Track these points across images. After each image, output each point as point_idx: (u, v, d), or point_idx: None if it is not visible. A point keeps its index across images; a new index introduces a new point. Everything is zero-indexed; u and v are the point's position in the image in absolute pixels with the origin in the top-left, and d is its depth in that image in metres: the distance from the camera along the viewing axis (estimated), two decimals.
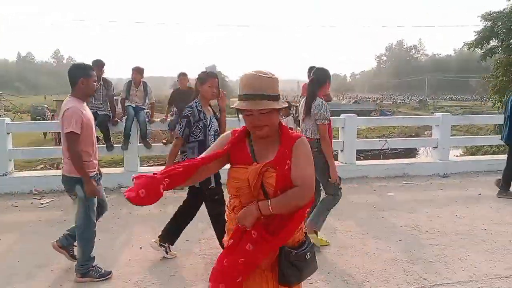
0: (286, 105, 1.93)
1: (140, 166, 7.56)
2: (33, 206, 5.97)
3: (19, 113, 47.11)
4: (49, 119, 36.53)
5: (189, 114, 3.78)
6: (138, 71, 7.22)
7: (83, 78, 3.51)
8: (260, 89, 1.81)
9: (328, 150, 4.16)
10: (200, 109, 3.80)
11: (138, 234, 4.86)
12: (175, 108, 7.51)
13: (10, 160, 6.88)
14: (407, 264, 3.92)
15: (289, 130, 1.96)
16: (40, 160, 18.75)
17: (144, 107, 7.25)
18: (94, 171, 3.66)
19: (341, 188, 4.36)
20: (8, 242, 4.57)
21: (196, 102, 3.85)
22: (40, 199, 6.24)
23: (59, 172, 7.47)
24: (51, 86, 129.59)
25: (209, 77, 3.90)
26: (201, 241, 4.59)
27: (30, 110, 46.33)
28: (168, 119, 7.50)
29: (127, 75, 7.41)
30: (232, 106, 1.95)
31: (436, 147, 8.32)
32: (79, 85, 3.51)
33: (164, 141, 7.82)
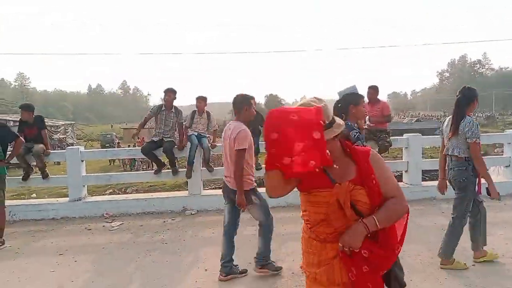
0: (340, 129, 1.89)
1: (203, 189, 7.75)
2: (105, 229, 6.29)
3: (90, 141, 50.32)
4: (116, 146, 38.71)
5: (359, 136, 3.64)
6: (202, 100, 7.50)
7: (247, 106, 4.15)
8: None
9: (482, 168, 4.14)
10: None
11: (204, 256, 4.95)
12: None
13: (84, 185, 7.33)
14: None
15: (353, 145, 1.98)
16: (109, 185, 19.82)
17: (205, 134, 7.46)
18: (253, 183, 4.23)
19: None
20: (83, 264, 4.84)
21: (351, 123, 3.65)
22: (111, 222, 6.57)
23: (129, 196, 7.93)
24: (117, 115, 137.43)
25: (360, 98, 3.79)
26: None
27: (99, 138, 49.49)
28: None
29: (184, 102, 7.64)
30: None
31: (509, 165, 7.84)
32: (244, 112, 4.15)
33: None
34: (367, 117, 7.42)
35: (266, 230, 4.30)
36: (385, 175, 1.90)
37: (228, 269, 4.19)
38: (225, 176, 4.31)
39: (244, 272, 4.30)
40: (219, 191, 8.19)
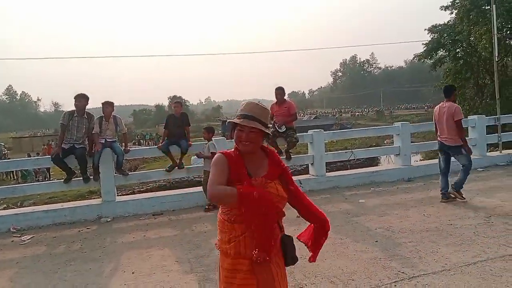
0: (269, 132, 2.30)
1: (117, 195, 7.63)
2: (15, 244, 5.93)
3: None
4: (4, 158, 35.35)
5: None
6: (109, 105, 7.34)
7: (455, 90, 6.90)
8: (256, 114, 2.22)
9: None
10: None
11: (127, 260, 4.96)
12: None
13: None
14: (385, 262, 4.26)
15: (269, 148, 2.38)
16: (2, 200, 18.19)
17: (114, 139, 7.35)
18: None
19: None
20: (0, 281, 4.58)
21: None
22: (20, 237, 6.21)
23: (37, 208, 7.51)
24: (5, 123, 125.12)
25: None
26: (190, 261, 4.75)
27: None
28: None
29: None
30: (229, 120, 2.35)
31: (399, 154, 8.87)
32: (452, 96, 6.67)
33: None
34: (274, 116, 7.94)
35: (467, 170, 6.48)
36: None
37: (445, 195, 6.49)
38: (441, 136, 6.61)
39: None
40: (135, 196, 8.19)
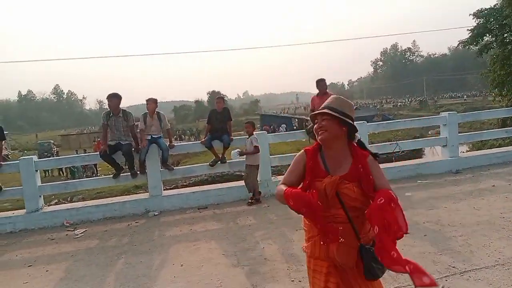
0: (350, 122, 2.20)
1: (164, 189, 7.83)
2: (69, 237, 6.23)
3: (25, 151, 47.75)
4: (55, 155, 37.05)
5: None
6: (152, 102, 7.53)
7: None
8: (332, 104, 2.23)
9: None
10: None
11: (175, 253, 5.10)
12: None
13: (40, 196, 7.18)
14: (435, 256, 4.16)
15: (361, 149, 2.24)
16: (53, 195, 19.08)
17: (159, 135, 7.53)
18: None
19: None
20: (56, 272, 4.82)
21: None
22: (73, 230, 6.51)
23: (88, 203, 7.84)
24: (53, 121, 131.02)
25: None
26: (236, 254, 4.82)
27: (36, 147, 47.08)
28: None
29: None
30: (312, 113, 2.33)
31: (446, 145, 8.59)
32: None
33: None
34: (316, 108, 7.86)
35: None
36: (380, 173, 2.19)
37: None
38: None
39: None
40: (180, 191, 8.36)
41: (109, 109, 7.16)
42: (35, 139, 68.03)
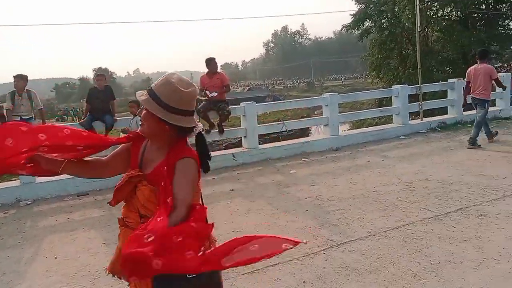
0: (175, 124, 1.76)
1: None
2: None
3: None
4: None
5: None
6: (20, 78, 6.79)
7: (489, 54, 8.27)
8: (160, 93, 1.75)
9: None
10: None
11: (49, 244, 4.67)
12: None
13: None
14: (315, 230, 4.36)
15: (184, 148, 1.79)
16: None
17: (31, 115, 6.83)
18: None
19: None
20: None
21: None
22: None
23: None
24: None
25: None
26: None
27: None
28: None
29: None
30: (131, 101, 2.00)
31: (327, 124, 9.08)
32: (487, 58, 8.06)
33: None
34: (206, 88, 7.75)
35: (478, 124, 7.67)
36: (183, 182, 1.71)
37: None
38: (475, 92, 7.69)
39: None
40: (57, 177, 7.67)
41: None
42: None
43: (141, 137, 1.91)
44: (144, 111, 1.79)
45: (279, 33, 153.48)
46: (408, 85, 11.21)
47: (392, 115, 10.33)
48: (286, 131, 9.35)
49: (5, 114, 6.57)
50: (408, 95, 10.11)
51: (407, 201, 5.08)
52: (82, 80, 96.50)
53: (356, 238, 4.07)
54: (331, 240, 4.08)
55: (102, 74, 7.74)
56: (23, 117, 6.65)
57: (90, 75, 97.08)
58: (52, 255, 4.33)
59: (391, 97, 10.54)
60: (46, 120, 7.42)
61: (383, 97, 16.32)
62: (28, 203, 6.39)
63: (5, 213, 6.03)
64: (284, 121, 9.39)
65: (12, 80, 7.01)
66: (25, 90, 6.74)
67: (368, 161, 7.28)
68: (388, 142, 8.91)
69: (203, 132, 1.91)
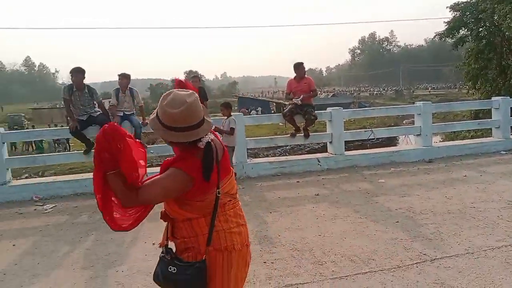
0: (173, 140, 1.92)
1: None
2: (38, 212, 6.05)
3: None
4: (26, 128, 36.01)
5: None
6: (124, 77, 7.33)
7: None
8: (158, 113, 1.92)
9: None
10: None
11: (148, 232, 4.99)
12: None
13: (8, 169, 6.93)
14: (407, 243, 4.21)
15: (184, 158, 1.93)
16: (24, 169, 18.57)
17: (132, 112, 7.36)
18: None
19: None
20: (23, 247, 4.68)
21: None
22: (42, 205, 6.32)
23: (58, 178, 7.63)
24: (24, 94, 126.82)
25: None
26: None
27: (7, 120, 45.66)
28: None
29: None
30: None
31: (419, 134, 8.70)
32: None
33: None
34: (293, 91, 7.84)
35: None
36: (155, 181, 1.93)
37: None
38: None
39: None
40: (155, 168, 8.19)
41: (72, 84, 6.87)
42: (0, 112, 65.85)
43: None
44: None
45: (366, 39, 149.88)
46: (511, 97, 10.37)
47: (491, 128, 9.64)
48: (374, 139, 9.12)
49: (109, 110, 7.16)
50: (511, 108, 9.36)
51: (509, 220, 4.71)
52: (174, 81, 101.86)
53: (452, 255, 3.87)
54: (424, 254, 3.92)
55: (196, 76, 8.14)
56: (126, 113, 7.20)
57: (182, 76, 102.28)
58: (150, 241, 4.64)
59: (488, 109, 9.83)
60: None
61: (479, 109, 15.27)
62: None
63: None
64: (372, 129, 9.16)
65: (115, 78, 7.62)
66: (128, 88, 7.29)
67: (465, 176, 6.85)
68: (487, 156, 8.31)
69: (212, 142, 1.99)
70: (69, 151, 24.02)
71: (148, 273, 3.87)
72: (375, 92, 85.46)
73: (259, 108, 45.60)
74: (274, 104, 49.96)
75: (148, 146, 7.65)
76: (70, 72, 6.86)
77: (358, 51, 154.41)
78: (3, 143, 6.91)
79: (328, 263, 3.85)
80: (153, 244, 4.56)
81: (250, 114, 37.86)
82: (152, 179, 1.96)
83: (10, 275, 4.01)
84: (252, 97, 62.94)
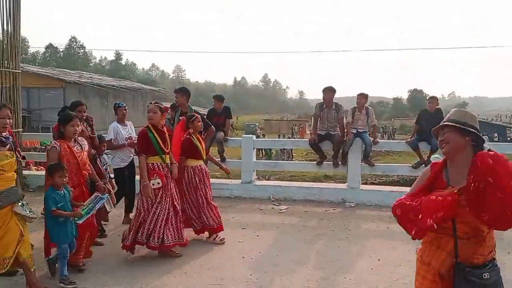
0: (473, 131, 2.14)
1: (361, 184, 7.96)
2: (274, 211, 6.93)
3: (235, 130, 53.97)
4: (258, 136, 40.67)
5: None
6: (363, 97, 7.73)
7: None
8: (456, 117, 2.21)
9: None
10: None
11: (373, 247, 5.17)
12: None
13: (254, 170, 8.13)
14: None
15: (482, 158, 2.02)
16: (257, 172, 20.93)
17: (365, 129, 7.66)
18: None
19: None
20: (265, 238, 5.49)
21: None
22: (278, 205, 7.20)
23: (293, 183, 8.55)
24: (258, 106, 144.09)
25: None
26: None
27: (244, 128, 52.64)
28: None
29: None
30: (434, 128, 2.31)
31: None
32: None
33: None
34: None
35: None
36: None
37: None
38: None
39: None
40: (378, 187, 8.37)
41: (323, 102, 7.60)
42: (242, 120, 75.89)
43: (437, 167, 2.29)
44: (445, 134, 2.20)
45: None
46: None
47: None
48: None
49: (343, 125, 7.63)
50: None
51: None
52: (396, 99, 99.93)
53: None
54: None
55: (435, 97, 7.87)
56: (359, 130, 7.56)
57: (405, 95, 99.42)
58: (375, 257, 4.81)
59: None
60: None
61: None
62: (352, 205, 7.23)
63: (334, 209, 7.03)
64: None
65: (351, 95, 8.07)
66: (364, 107, 7.64)
67: None
68: None
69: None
70: (292, 159, 26.43)
71: (374, 286, 4.06)
72: None
73: (495, 134, 40.49)
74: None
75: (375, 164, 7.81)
76: (322, 91, 7.58)
77: None
78: (254, 148, 8.15)
79: None
80: (378, 260, 4.71)
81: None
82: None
83: (256, 261, 4.74)
84: (484, 120, 56.05)
